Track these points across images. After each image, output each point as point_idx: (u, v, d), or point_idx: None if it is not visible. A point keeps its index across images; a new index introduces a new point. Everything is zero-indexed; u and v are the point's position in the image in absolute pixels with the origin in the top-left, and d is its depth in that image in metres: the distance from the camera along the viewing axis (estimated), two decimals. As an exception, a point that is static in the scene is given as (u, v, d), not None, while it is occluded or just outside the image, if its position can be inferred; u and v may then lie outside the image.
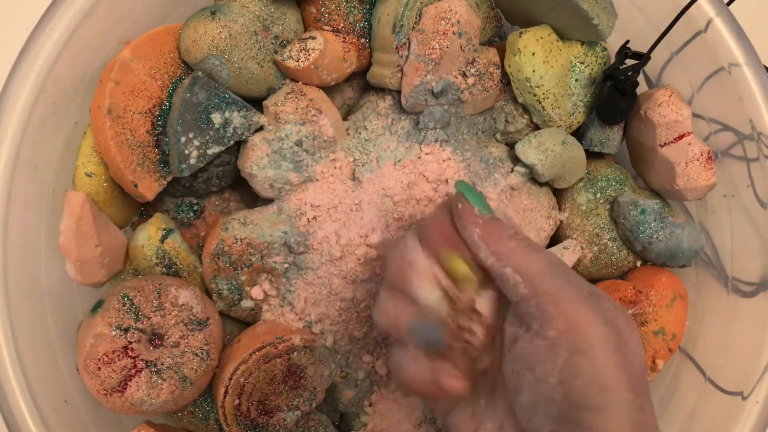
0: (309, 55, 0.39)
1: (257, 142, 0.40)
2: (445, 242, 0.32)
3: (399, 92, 0.41)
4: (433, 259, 0.32)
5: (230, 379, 0.38)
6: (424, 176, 0.41)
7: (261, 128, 0.41)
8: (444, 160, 0.42)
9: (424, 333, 0.32)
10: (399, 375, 0.33)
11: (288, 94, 0.40)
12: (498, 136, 0.45)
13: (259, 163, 0.40)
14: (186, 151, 0.38)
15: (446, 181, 0.41)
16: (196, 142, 0.38)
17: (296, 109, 0.40)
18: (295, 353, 0.39)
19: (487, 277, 0.32)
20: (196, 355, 0.38)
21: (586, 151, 0.45)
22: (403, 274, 0.32)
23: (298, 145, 0.40)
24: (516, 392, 0.30)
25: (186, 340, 0.38)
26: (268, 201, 0.42)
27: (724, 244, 0.44)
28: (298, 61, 0.39)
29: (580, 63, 0.43)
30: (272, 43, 0.40)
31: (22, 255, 0.37)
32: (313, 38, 0.40)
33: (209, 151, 0.39)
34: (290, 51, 0.40)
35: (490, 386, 0.33)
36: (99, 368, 0.36)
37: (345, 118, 0.44)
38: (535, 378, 0.29)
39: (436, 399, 0.34)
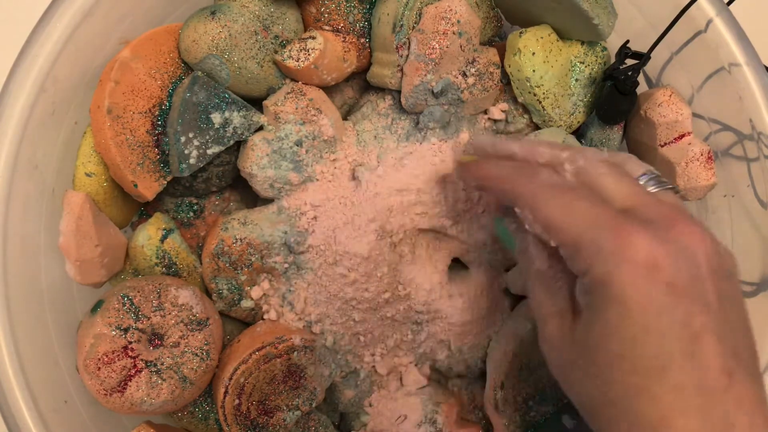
0: (309, 54, 0.39)
1: (257, 141, 0.40)
2: None
3: (399, 92, 0.41)
4: None
5: (230, 379, 0.38)
6: (423, 176, 0.41)
7: (261, 128, 0.41)
8: (444, 161, 0.42)
9: None
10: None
11: (288, 93, 0.40)
12: (498, 136, 0.45)
13: (259, 163, 0.40)
14: (186, 151, 0.38)
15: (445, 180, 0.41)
16: (195, 142, 0.38)
17: (296, 108, 0.40)
18: (295, 353, 0.39)
19: None
20: (196, 355, 0.38)
21: (586, 151, 0.45)
22: None
23: (298, 145, 0.40)
24: None
25: (186, 340, 0.38)
26: (268, 201, 0.42)
27: (724, 244, 0.44)
28: (298, 61, 0.39)
29: (580, 63, 0.43)
30: (272, 43, 0.40)
31: (22, 255, 0.37)
32: (313, 38, 0.40)
33: (209, 151, 0.39)
34: (290, 51, 0.40)
35: None
36: (99, 368, 0.36)
37: (345, 118, 0.44)
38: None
39: None
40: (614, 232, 0.28)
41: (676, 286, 0.27)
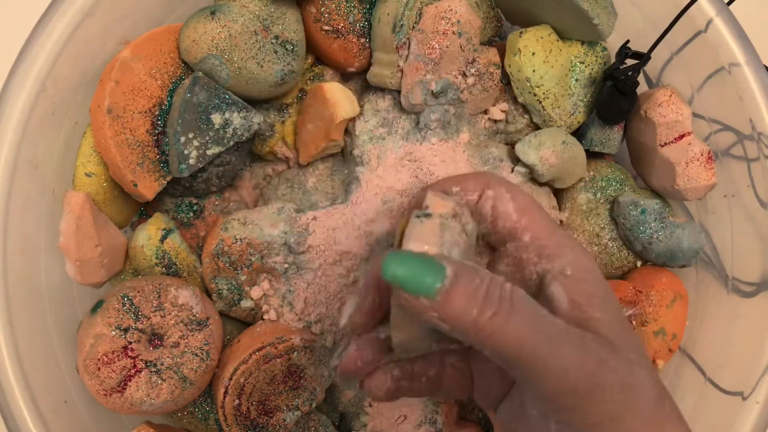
0: None
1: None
2: None
3: (399, 92, 0.41)
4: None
5: (230, 379, 0.38)
6: (423, 176, 0.41)
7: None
8: (443, 161, 0.42)
9: None
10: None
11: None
12: (498, 136, 0.45)
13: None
14: (185, 152, 0.38)
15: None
16: (195, 143, 0.38)
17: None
18: (295, 353, 0.39)
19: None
20: (196, 355, 0.38)
21: (587, 151, 0.45)
22: None
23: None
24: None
25: (186, 340, 0.38)
26: (268, 201, 0.42)
27: (724, 244, 0.44)
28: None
29: (581, 63, 0.43)
30: (272, 43, 0.40)
31: (22, 255, 0.37)
32: None
33: (209, 152, 0.39)
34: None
35: None
36: (99, 368, 0.36)
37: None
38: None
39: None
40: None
41: None
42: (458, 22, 0.39)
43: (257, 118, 0.40)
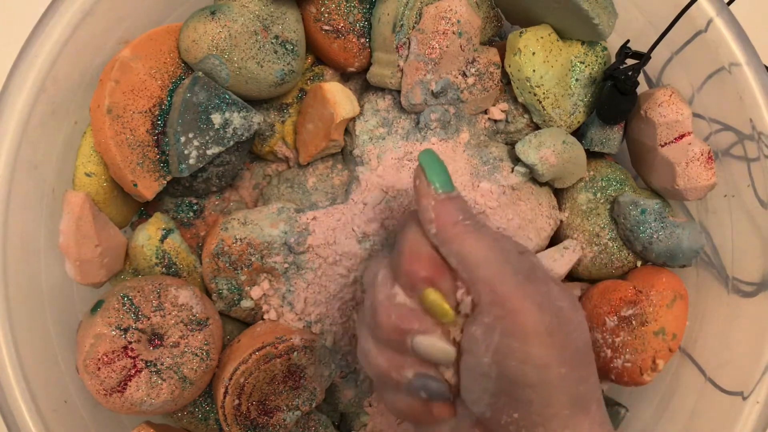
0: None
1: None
2: (422, 271, 0.30)
3: (399, 92, 0.41)
4: (413, 295, 0.31)
5: (230, 379, 0.38)
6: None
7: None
8: (443, 161, 0.42)
9: (428, 388, 0.31)
10: (391, 409, 0.33)
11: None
12: (498, 136, 0.45)
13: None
14: (185, 152, 0.38)
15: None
16: (195, 143, 0.38)
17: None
18: (295, 353, 0.39)
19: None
20: (196, 355, 0.38)
21: (587, 150, 0.45)
22: (395, 328, 0.31)
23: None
24: (462, 376, 0.31)
25: (186, 340, 0.38)
26: (268, 201, 0.42)
27: (725, 244, 0.44)
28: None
29: (581, 63, 0.43)
30: (272, 43, 0.40)
31: (22, 255, 0.37)
32: None
33: (209, 152, 0.39)
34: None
35: None
36: (99, 368, 0.36)
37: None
38: (472, 358, 0.30)
39: (425, 423, 0.33)
40: None
41: None
42: (458, 22, 0.39)
43: (257, 118, 0.40)
